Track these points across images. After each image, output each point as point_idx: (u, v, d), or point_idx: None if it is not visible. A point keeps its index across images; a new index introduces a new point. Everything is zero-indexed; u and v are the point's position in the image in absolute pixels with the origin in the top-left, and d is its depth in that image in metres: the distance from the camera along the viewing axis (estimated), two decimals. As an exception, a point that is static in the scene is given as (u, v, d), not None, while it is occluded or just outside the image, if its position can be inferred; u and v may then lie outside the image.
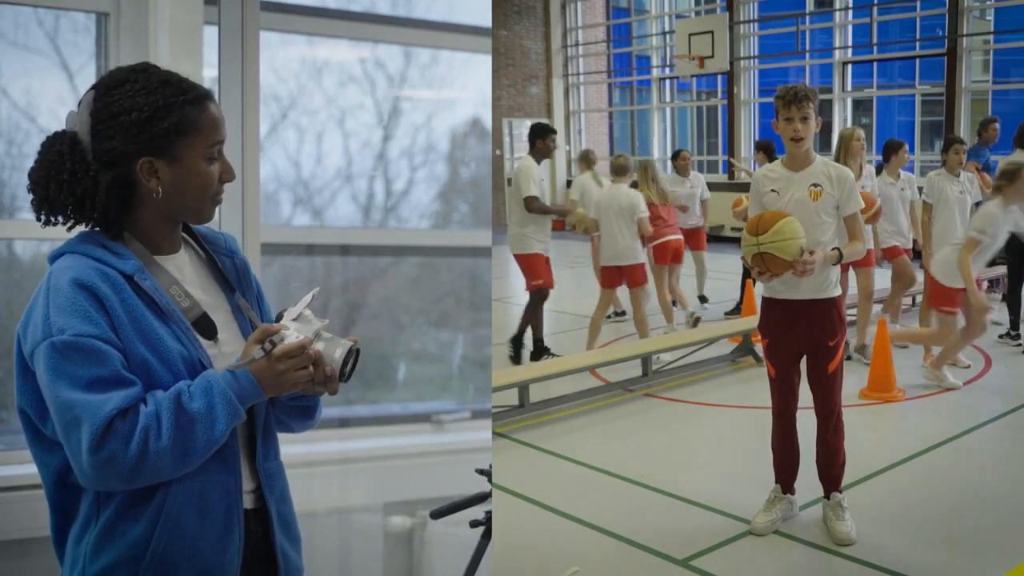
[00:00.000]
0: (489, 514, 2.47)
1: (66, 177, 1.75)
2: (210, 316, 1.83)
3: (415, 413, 3.85)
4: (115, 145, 1.75)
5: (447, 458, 3.64)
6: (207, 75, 3.19)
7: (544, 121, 6.84)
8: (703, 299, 8.88)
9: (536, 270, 6.76)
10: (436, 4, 3.65)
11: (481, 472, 2.47)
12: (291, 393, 1.84)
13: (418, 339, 3.81)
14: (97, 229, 1.81)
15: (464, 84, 3.72)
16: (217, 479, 1.78)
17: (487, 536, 2.46)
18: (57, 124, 1.82)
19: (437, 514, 2.50)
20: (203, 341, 1.81)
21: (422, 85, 3.70)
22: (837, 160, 6.27)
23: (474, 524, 2.47)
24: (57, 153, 1.76)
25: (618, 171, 7.09)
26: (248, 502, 1.86)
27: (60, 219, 1.79)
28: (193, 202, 1.83)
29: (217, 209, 1.91)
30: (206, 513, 1.76)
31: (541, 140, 6.80)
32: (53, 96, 3.12)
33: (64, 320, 1.66)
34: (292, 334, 1.75)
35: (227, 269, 1.96)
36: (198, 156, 1.80)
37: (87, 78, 3.13)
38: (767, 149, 8.43)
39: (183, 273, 1.87)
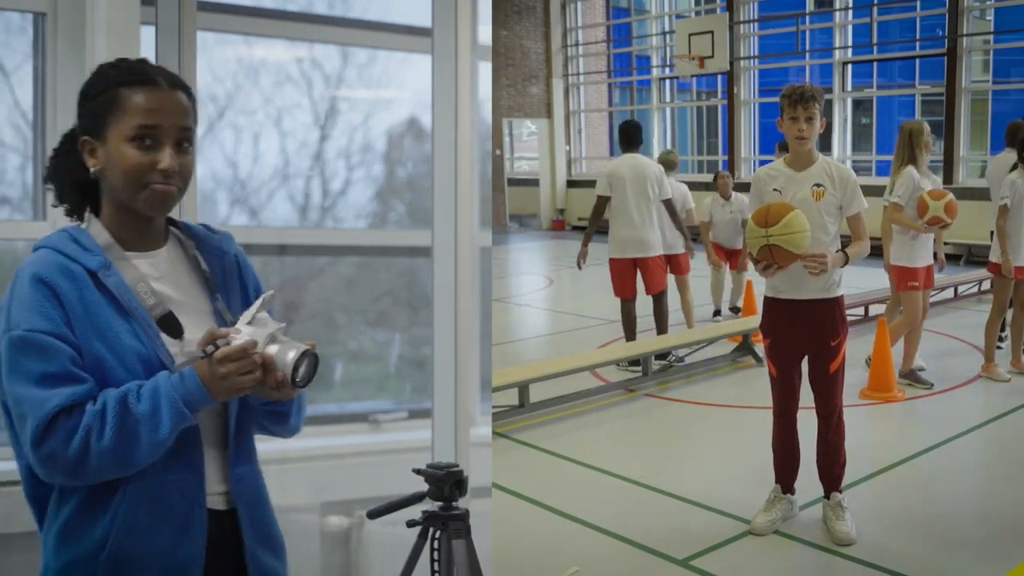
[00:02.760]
0: (426, 514, 2.44)
1: (59, 168, 1.84)
2: (176, 315, 1.79)
3: (352, 413, 3.81)
4: (73, 129, 1.82)
5: (384, 458, 3.59)
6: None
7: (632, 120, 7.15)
8: (736, 310, 8.82)
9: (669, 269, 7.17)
10: (373, 4, 3.62)
11: (418, 472, 2.43)
12: (260, 398, 1.81)
13: (355, 339, 3.78)
14: (81, 224, 1.83)
15: (401, 84, 3.70)
16: (178, 478, 1.76)
17: (424, 536, 2.44)
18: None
19: (374, 514, 2.48)
20: (168, 340, 1.78)
21: (359, 85, 3.68)
22: (913, 159, 5.86)
23: (411, 524, 2.45)
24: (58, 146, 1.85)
25: (667, 166, 7.55)
26: (219, 503, 1.84)
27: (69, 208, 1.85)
28: (120, 186, 1.77)
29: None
30: (164, 513, 1.74)
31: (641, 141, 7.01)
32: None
33: (21, 315, 1.66)
34: (242, 337, 1.70)
35: (212, 268, 1.92)
36: (119, 137, 1.75)
37: (23, 79, 3.09)
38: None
39: (158, 270, 1.84)
